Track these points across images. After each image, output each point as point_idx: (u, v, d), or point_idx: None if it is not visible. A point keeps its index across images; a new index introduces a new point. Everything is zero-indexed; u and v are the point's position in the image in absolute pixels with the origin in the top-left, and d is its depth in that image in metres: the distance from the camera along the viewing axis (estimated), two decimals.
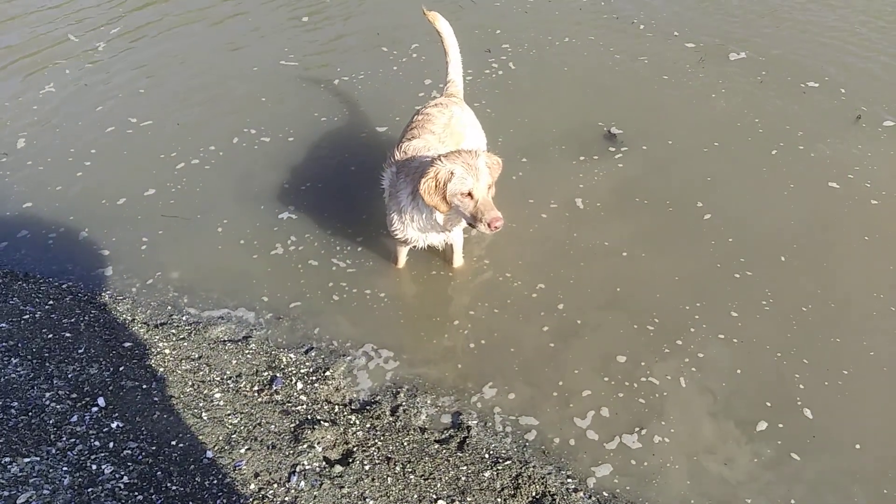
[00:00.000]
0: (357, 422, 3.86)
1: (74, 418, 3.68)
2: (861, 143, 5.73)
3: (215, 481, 3.43)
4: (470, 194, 3.69)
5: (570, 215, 5.20)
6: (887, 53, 6.81)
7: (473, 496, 3.49)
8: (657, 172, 5.57)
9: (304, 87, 6.69)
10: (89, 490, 3.25)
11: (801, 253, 4.83)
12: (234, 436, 3.72)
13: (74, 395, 3.85)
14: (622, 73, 6.73)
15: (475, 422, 3.90)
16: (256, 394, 4.01)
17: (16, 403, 3.67)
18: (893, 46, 6.92)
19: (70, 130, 6.19)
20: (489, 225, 3.67)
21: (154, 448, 3.59)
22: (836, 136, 5.81)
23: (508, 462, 3.69)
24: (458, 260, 4.77)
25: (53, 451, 3.43)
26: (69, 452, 3.45)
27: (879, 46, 6.93)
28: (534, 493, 3.53)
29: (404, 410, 3.93)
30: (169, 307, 4.57)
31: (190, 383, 4.03)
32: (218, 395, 3.97)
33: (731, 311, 4.46)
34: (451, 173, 3.67)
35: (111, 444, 3.57)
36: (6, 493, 3.08)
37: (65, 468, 3.35)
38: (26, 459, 3.30)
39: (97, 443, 3.56)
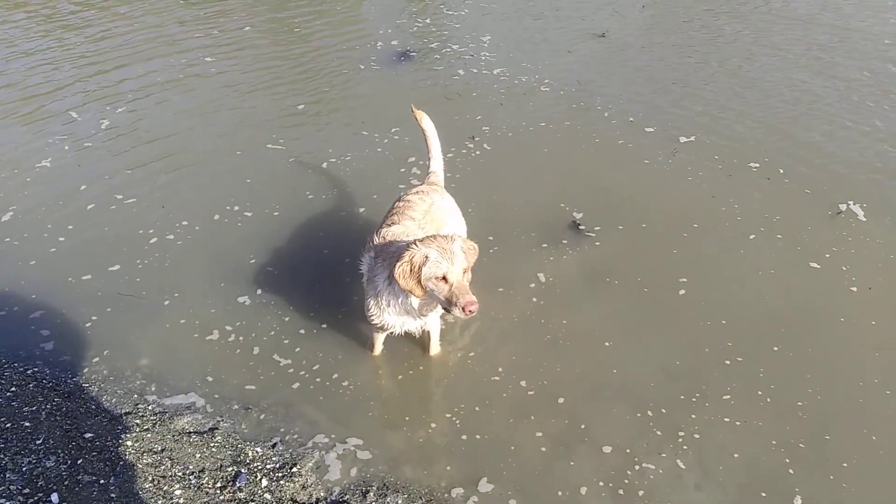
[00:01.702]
0: None
1: None
2: (834, 229, 5.64)
3: None
4: (444, 278, 3.59)
5: (544, 299, 5.03)
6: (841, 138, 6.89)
7: None
8: (633, 256, 5.44)
9: (290, 167, 6.62)
10: None
11: (790, 338, 4.66)
12: None
13: (27, 491, 3.58)
14: (593, 156, 6.75)
15: None
16: (219, 491, 3.74)
17: None
18: (845, 131, 7.02)
19: (53, 207, 6.06)
20: (464, 309, 3.54)
21: None
22: (808, 222, 5.73)
23: None
24: (435, 347, 4.58)
25: None
26: None
27: (838, 130, 7.01)
28: None
29: None
30: (135, 395, 4.30)
31: (150, 479, 3.76)
32: (178, 493, 3.70)
33: (728, 399, 4.25)
34: (426, 257, 3.57)
35: None
36: None
37: None
38: None
39: None
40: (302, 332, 4.80)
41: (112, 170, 6.59)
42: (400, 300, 3.90)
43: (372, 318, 4.12)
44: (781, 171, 6.40)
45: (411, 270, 3.60)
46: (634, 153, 6.78)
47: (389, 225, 4.28)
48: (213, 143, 7.08)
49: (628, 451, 3.97)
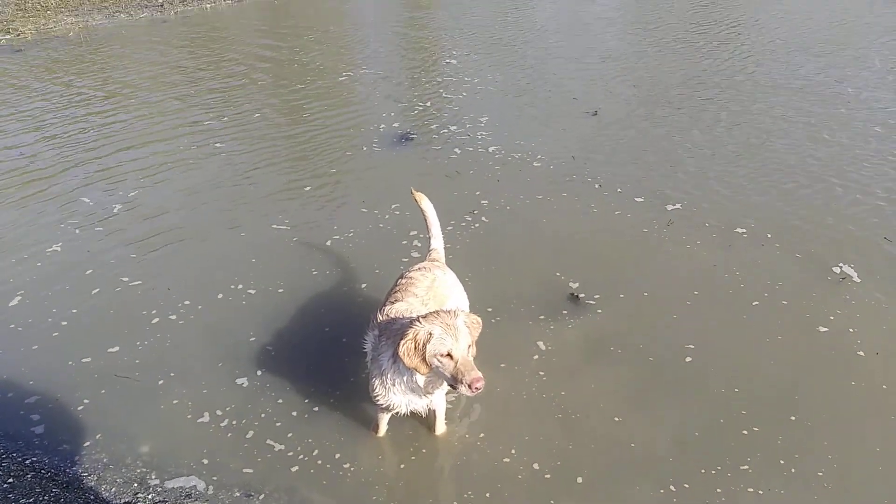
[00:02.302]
0: None
1: None
2: (836, 293, 5.61)
3: None
4: (449, 354, 3.51)
5: (549, 373, 4.93)
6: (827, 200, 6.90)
7: None
8: (636, 324, 5.38)
9: (294, 245, 6.65)
10: None
11: (805, 405, 4.55)
12: None
13: None
14: (590, 227, 6.80)
15: None
16: None
17: None
18: (829, 195, 7.06)
19: (59, 291, 6.04)
20: (470, 386, 3.44)
21: None
22: (809, 287, 5.71)
23: None
24: (441, 426, 4.45)
25: None
26: None
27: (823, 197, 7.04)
28: None
29: None
30: (135, 484, 4.13)
31: None
32: None
33: (748, 470, 4.11)
34: (430, 334, 3.50)
35: None
36: None
37: None
38: None
39: None
40: (303, 413, 4.68)
41: (119, 253, 6.62)
42: (405, 378, 3.81)
43: (377, 398, 4.01)
44: (769, 235, 6.46)
45: (416, 348, 3.53)
46: (631, 223, 6.82)
47: (393, 302, 4.23)
48: (219, 224, 7.14)
49: None
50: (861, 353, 4.98)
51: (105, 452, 4.41)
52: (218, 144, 9.04)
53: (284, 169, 8.39)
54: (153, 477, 4.22)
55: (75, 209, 7.50)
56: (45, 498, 4.03)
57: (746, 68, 11.27)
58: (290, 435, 4.50)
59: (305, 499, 4.05)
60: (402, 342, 3.55)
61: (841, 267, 5.90)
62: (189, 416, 4.69)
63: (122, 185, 7.99)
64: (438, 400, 4.23)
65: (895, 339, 5.11)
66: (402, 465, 4.30)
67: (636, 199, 7.22)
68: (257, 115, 10.14)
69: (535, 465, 4.21)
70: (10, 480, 4.14)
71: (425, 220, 5.07)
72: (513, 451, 4.32)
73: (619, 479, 4.12)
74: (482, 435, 4.48)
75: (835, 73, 10.86)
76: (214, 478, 4.20)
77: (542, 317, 5.50)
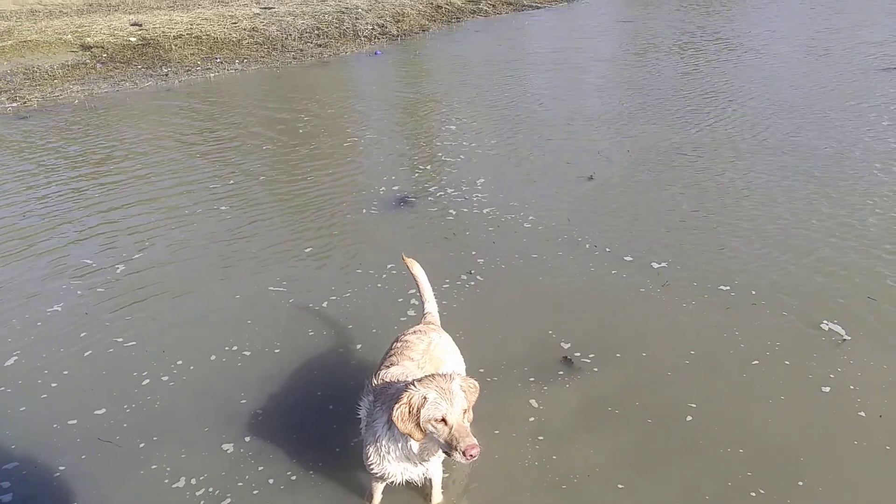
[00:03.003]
0: None
1: None
2: (836, 354, 5.54)
3: None
4: (444, 420, 3.38)
5: (547, 437, 4.79)
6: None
7: None
8: (634, 385, 5.28)
9: (290, 307, 6.58)
10: None
11: (811, 468, 4.42)
12: None
13: None
14: (585, 287, 6.77)
15: None
16: None
17: None
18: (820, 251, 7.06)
19: (54, 353, 5.94)
20: (465, 453, 3.31)
21: None
22: (810, 347, 5.64)
23: None
24: (438, 496, 4.26)
25: None
26: None
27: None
28: None
29: None
30: None
31: None
32: None
33: None
34: (425, 398, 3.39)
35: None
36: None
37: None
38: None
39: None
40: (291, 482, 4.50)
41: (116, 314, 6.53)
42: (400, 445, 3.67)
43: (371, 466, 3.86)
44: (754, 293, 6.44)
45: (410, 412, 3.41)
46: (627, 283, 6.78)
47: (388, 366, 4.12)
48: (217, 285, 7.09)
49: None
50: (862, 414, 4.88)
51: None
52: (222, 207, 9.06)
53: (284, 231, 8.39)
54: None
55: (77, 269, 7.45)
56: None
57: (737, 132, 11.43)
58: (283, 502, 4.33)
59: None
60: (397, 406, 3.44)
61: (829, 325, 5.89)
62: (166, 482, 4.52)
63: (125, 247, 7.98)
64: (435, 468, 4.08)
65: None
66: None
67: (631, 261, 7.21)
68: (259, 178, 10.19)
69: None
70: None
71: (417, 286, 5.03)
72: None
73: None
74: (480, 502, 4.31)
75: (810, 134, 11.05)
76: None
77: (536, 378, 5.40)
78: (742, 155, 10.35)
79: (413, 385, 3.49)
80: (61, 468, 4.68)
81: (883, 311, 6.10)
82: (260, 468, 4.62)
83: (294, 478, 4.54)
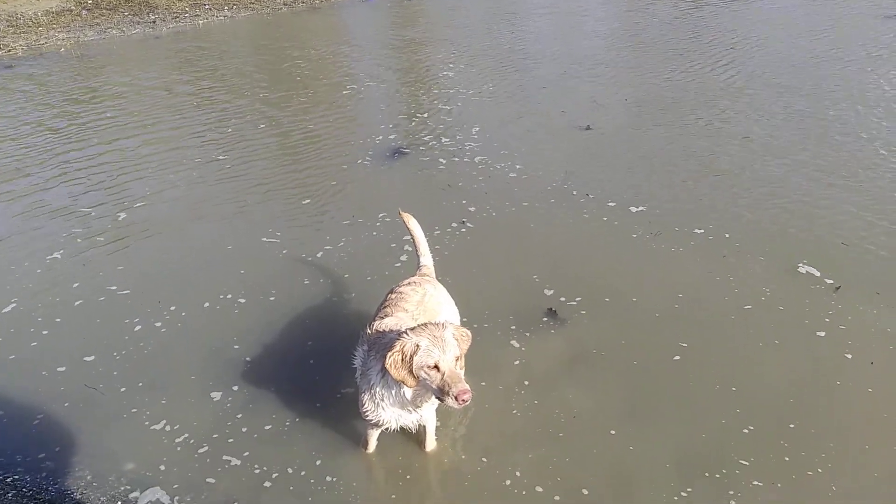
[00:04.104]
0: None
1: None
2: (827, 300, 5.50)
3: None
4: (436, 366, 3.38)
5: (536, 384, 4.75)
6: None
7: None
8: (624, 330, 5.25)
9: (285, 258, 6.49)
10: None
11: (804, 411, 4.41)
12: None
13: None
14: (577, 234, 6.72)
15: None
16: None
17: None
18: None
19: (49, 301, 5.89)
20: (457, 398, 3.32)
21: None
22: (801, 294, 5.58)
23: None
24: (431, 443, 4.26)
25: None
26: None
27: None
28: None
29: None
30: (119, 502, 4.00)
31: None
32: None
33: (751, 469, 4.01)
34: (417, 346, 3.39)
35: None
36: None
37: None
38: None
39: None
40: (283, 428, 4.49)
41: (112, 262, 6.48)
42: (394, 392, 3.67)
43: (366, 413, 3.85)
44: (742, 243, 6.35)
45: (402, 360, 3.42)
46: (618, 232, 6.69)
47: (382, 317, 4.09)
48: (212, 235, 7.00)
49: None
50: (848, 355, 4.88)
51: (89, 470, 4.21)
52: (220, 157, 8.90)
53: (277, 181, 8.23)
54: (136, 496, 4.03)
55: (78, 218, 7.40)
56: None
57: (735, 80, 11.22)
58: (272, 451, 4.31)
59: None
60: (390, 354, 3.44)
61: (815, 271, 5.84)
62: (147, 426, 4.53)
63: (121, 197, 7.88)
64: (428, 415, 4.07)
65: (884, 344, 5.01)
66: (390, 481, 4.12)
67: (623, 209, 7.09)
68: (252, 128, 9.97)
69: (538, 488, 4.00)
70: None
71: (413, 240, 4.96)
72: (511, 470, 4.12)
73: (622, 492, 3.95)
74: (474, 450, 4.30)
75: (807, 87, 10.78)
76: (194, 496, 4.02)
77: (523, 324, 5.35)
78: (740, 98, 10.16)
79: (406, 334, 3.48)
80: (41, 415, 4.66)
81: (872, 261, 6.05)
82: (248, 416, 4.60)
83: (287, 425, 4.51)
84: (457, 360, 3.46)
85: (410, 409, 3.74)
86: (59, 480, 4.16)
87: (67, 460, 4.30)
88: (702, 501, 3.85)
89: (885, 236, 6.36)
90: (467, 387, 3.35)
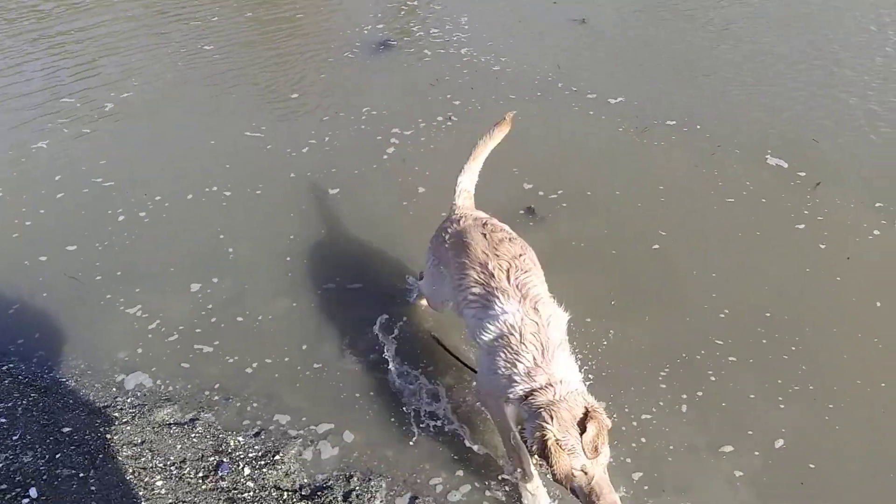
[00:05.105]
0: None
1: None
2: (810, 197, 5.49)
3: None
4: (584, 471, 2.88)
5: None
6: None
7: None
8: (603, 221, 5.26)
9: (269, 152, 6.34)
10: None
11: (782, 299, 4.50)
12: None
13: (4, 486, 3.39)
14: (562, 131, 6.55)
15: None
16: (201, 481, 3.55)
17: None
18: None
19: (34, 190, 5.83)
20: None
21: None
22: (783, 189, 5.55)
23: None
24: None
25: None
26: None
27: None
28: None
29: (357, 496, 3.44)
30: (114, 388, 4.05)
31: (130, 471, 3.56)
32: (160, 484, 3.51)
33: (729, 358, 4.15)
34: (560, 442, 2.84)
35: None
36: None
37: None
38: None
39: None
40: (256, 321, 4.54)
41: (97, 153, 6.33)
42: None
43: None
44: (734, 139, 6.20)
45: (548, 455, 2.86)
46: (605, 128, 6.51)
47: (520, 274, 3.40)
48: (197, 129, 6.81)
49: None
50: (822, 246, 4.94)
51: (83, 359, 4.31)
52: (206, 48, 8.49)
53: (263, 75, 7.87)
54: (131, 382, 4.15)
55: (62, 108, 7.19)
56: (24, 402, 3.96)
57: None
58: (268, 340, 4.40)
59: (283, 401, 4.00)
60: (535, 444, 2.93)
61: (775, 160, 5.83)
62: (122, 311, 4.61)
63: (107, 87, 7.62)
64: None
65: (858, 240, 5.05)
66: (378, 367, 4.20)
67: (612, 104, 6.87)
68: (238, 16, 9.45)
69: None
70: None
71: (477, 153, 4.20)
72: None
73: (600, 376, 4.02)
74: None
75: None
76: (192, 384, 4.14)
77: (504, 217, 5.26)
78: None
79: (549, 418, 2.90)
80: (17, 305, 4.71)
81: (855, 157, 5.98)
82: (222, 308, 4.64)
83: (259, 319, 4.55)
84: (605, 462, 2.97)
85: None
86: (54, 368, 4.27)
87: (54, 348, 4.39)
88: (679, 379, 4.00)
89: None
90: (617, 499, 2.89)
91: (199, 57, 8.34)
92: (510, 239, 3.60)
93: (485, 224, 3.66)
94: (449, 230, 3.77)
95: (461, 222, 3.74)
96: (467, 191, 4.05)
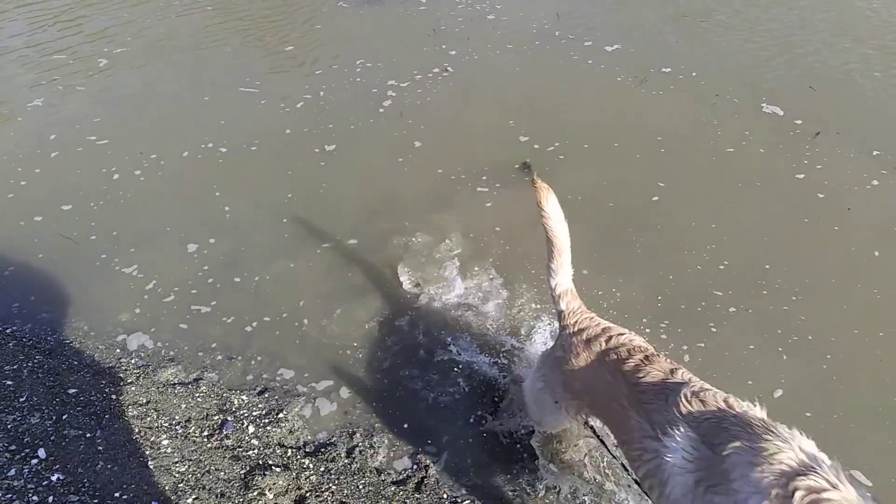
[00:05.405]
0: (311, 465, 3.45)
1: (12, 472, 3.25)
2: (809, 147, 5.41)
3: None
4: None
5: (504, 230, 4.75)
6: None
7: None
8: (601, 172, 5.19)
9: (265, 107, 6.23)
10: None
11: (782, 251, 4.47)
12: (181, 485, 3.31)
13: (13, 447, 3.42)
14: (560, 80, 6.41)
15: (433, 462, 3.49)
16: (206, 439, 3.59)
17: None
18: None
19: (28, 150, 5.77)
20: None
21: (96, 501, 3.18)
22: (782, 140, 5.46)
23: (468, 502, 3.32)
24: None
25: None
26: None
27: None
28: None
29: (360, 452, 3.50)
30: (117, 350, 4.07)
31: (136, 430, 3.60)
32: (165, 442, 3.55)
33: (726, 299, 4.18)
34: None
35: (50, 499, 3.15)
36: None
37: None
38: None
39: (35, 497, 3.15)
40: (253, 281, 4.51)
41: (91, 112, 6.27)
42: None
43: None
44: (736, 90, 6.09)
45: None
46: (604, 76, 6.39)
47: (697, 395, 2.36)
48: (191, 84, 6.69)
49: None
50: (821, 196, 4.88)
51: (86, 321, 4.30)
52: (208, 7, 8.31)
53: (256, 27, 7.73)
54: (134, 342, 4.15)
55: (57, 66, 7.10)
56: (29, 364, 3.97)
57: None
58: (270, 299, 4.39)
59: (287, 360, 4.01)
60: None
61: (800, 122, 5.67)
62: (118, 270, 4.61)
63: (108, 43, 7.52)
64: None
65: (854, 186, 5.00)
66: (379, 325, 4.21)
67: (606, 52, 6.74)
68: None
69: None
70: None
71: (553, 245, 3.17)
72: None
73: None
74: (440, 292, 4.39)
75: None
76: (196, 345, 4.13)
77: (497, 170, 5.26)
78: None
79: None
80: (13, 266, 4.69)
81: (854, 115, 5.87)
82: (219, 268, 4.62)
83: (256, 280, 4.53)
84: None
85: None
86: (58, 330, 4.26)
87: (55, 309, 4.38)
88: (681, 331, 4.01)
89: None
90: None
91: (191, 9, 8.15)
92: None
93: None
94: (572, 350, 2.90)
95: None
96: (571, 290, 3.19)
